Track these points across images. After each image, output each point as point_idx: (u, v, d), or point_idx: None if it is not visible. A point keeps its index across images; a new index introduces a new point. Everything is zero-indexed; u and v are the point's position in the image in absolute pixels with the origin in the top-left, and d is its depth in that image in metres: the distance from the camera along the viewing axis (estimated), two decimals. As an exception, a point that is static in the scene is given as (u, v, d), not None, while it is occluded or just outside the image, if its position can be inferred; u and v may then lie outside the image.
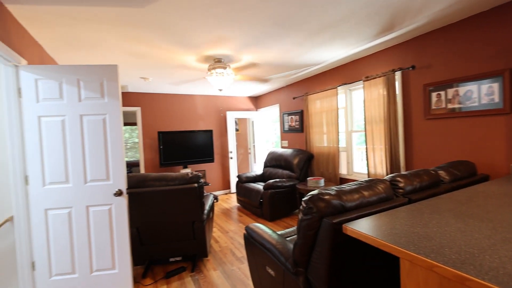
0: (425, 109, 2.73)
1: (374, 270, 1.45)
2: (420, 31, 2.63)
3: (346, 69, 3.71)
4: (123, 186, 2.12)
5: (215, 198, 5.26)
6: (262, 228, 1.86)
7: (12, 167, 1.97)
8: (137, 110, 5.07)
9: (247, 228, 1.93)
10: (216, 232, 3.56)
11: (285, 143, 5.31)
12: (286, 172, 4.41)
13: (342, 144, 3.92)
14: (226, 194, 5.89)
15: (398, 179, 1.68)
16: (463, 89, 2.41)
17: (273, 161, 4.86)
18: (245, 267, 2.57)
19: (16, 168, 1.97)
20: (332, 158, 3.93)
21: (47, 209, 2.03)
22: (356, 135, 3.86)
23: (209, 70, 3.29)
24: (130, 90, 4.86)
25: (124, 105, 4.96)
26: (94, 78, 2.08)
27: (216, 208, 4.76)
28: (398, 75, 2.98)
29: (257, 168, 6.45)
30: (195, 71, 3.72)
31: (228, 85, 3.46)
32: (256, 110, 6.38)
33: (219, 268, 2.57)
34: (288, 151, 4.59)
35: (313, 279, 1.33)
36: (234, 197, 5.55)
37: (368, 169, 3.37)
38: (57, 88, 2.04)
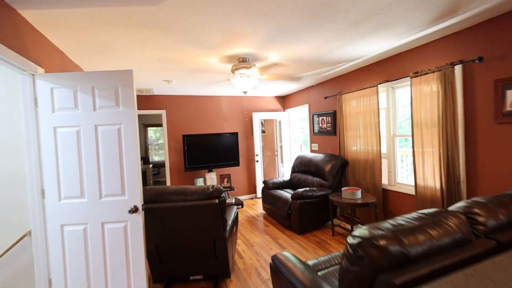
0: (496, 110, 2.19)
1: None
2: (493, 13, 2.10)
3: (389, 64, 3.22)
4: (139, 202, 1.95)
5: (240, 204, 5.05)
6: (292, 260, 1.55)
7: (29, 180, 1.90)
8: (163, 112, 5.02)
9: (274, 259, 1.63)
10: (240, 245, 3.32)
11: (315, 146, 4.90)
12: (316, 179, 4.03)
13: (383, 149, 3.43)
14: (252, 199, 5.66)
15: (476, 210, 1.26)
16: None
17: (302, 166, 4.50)
18: (271, 292, 2.28)
19: (33, 181, 1.89)
20: (371, 166, 3.47)
21: (63, 224, 1.93)
22: (399, 140, 3.35)
23: (232, 71, 3.04)
24: (156, 93, 4.82)
25: (149, 108, 4.93)
26: (109, 85, 1.92)
27: (241, 215, 4.54)
28: (457, 69, 2.46)
29: (285, 171, 6.11)
30: (218, 73, 3.49)
31: (253, 86, 3.18)
32: (284, 111, 6.03)
33: (243, 291, 2.32)
34: (319, 156, 4.19)
35: None
36: (260, 203, 5.29)
37: (415, 181, 2.87)
38: (71, 96, 1.92)
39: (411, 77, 2.82)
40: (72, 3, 1.68)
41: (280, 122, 6.16)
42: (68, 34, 2.14)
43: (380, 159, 3.35)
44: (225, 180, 5.16)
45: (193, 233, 2.20)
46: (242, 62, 2.96)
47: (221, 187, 2.27)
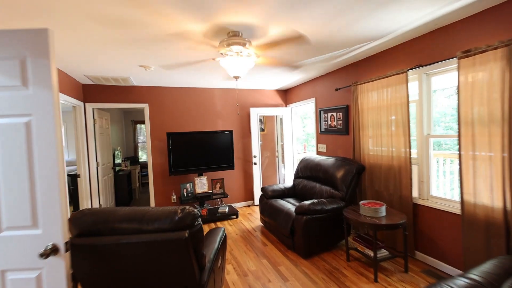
0: None
1: None
2: None
3: (423, 43, 2.49)
4: (60, 238, 1.23)
5: (234, 214, 4.34)
6: None
7: None
8: (145, 107, 4.30)
9: None
10: (230, 273, 2.61)
11: (322, 147, 4.18)
12: (326, 188, 3.31)
13: (413, 153, 2.72)
14: (248, 206, 4.95)
15: None
16: None
17: (307, 171, 3.78)
18: None
19: None
20: (397, 173, 2.75)
21: None
22: (434, 141, 2.64)
23: (220, 47, 2.31)
24: (135, 83, 4.09)
25: (128, 101, 4.21)
26: (9, 52, 1.20)
27: (234, 229, 3.83)
28: (536, 42, 1.73)
29: (286, 174, 5.40)
30: (202, 50, 2.77)
31: (247, 69, 2.47)
32: (286, 106, 5.31)
33: None
34: (329, 159, 3.48)
35: None
36: (257, 212, 4.58)
37: (462, 196, 2.16)
38: (-48, 71, 1.20)
39: (459, 58, 2.10)
40: None
41: (281, 119, 5.44)
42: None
43: (410, 165, 2.63)
44: (218, 185, 4.45)
45: (154, 281, 1.48)
46: (234, 37, 2.24)
47: (196, 211, 1.55)
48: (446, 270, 2.42)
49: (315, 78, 4.28)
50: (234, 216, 4.33)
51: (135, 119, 7.45)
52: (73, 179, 4.42)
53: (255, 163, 4.88)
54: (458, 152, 2.17)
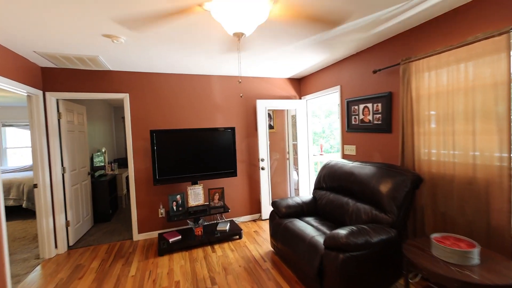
0: None
1: None
2: None
3: (543, -16, 1.54)
4: None
5: (237, 234, 3.42)
6: None
7: None
8: (124, 97, 3.41)
9: None
10: None
11: (351, 149, 3.25)
12: (363, 207, 2.38)
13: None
14: (254, 221, 4.03)
15: None
16: None
17: (333, 181, 2.85)
18: None
19: None
20: (484, 191, 1.81)
21: None
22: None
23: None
24: (110, 67, 3.20)
25: (103, 89, 3.32)
26: None
27: (236, 256, 2.92)
28: None
29: (300, 181, 4.47)
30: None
31: (255, 22, 1.56)
32: (300, 98, 4.37)
33: None
34: (367, 167, 2.54)
35: None
36: (265, 228, 3.67)
37: None
38: None
39: None
40: None
41: (294, 114, 4.50)
42: None
43: (510, 180, 1.68)
44: (216, 196, 3.55)
45: None
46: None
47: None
48: None
49: (341, 60, 3.33)
50: (237, 237, 3.42)
51: (126, 115, 6.58)
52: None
53: (262, 168, 3.96)
54: None
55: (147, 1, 1.73)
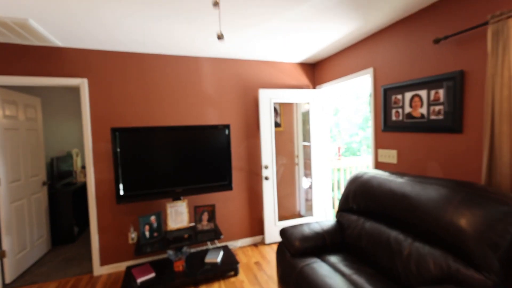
0: None
1: None
2: None
3: None
4: None
5: (233, 269, 2.51)
6: None
7: None
8: (81, 83, 2.53)
9: None
10: None
11: (389, 156, 2.35)
12: (431, 252, 1.48)
13: None
14: (255, 246, 3.15)
15: None
16: None
17: (370, 202, 1.96)
18: None
19: None
20: None
21: None
22: None
23: None
24: (60, 42, 2.32)
25: (51, 73, 2.45)
26: None
27: (230, 308, 2.05)
28: None
29: (314, 193, 3.59)
30: None
31: None
32: (314, 88, 3.48)
33: None
34: (430, 187, 1.63)
35: None
36: (270, 259, 2.79)
37: None
38: None
39: None
40: None
41: (307, 108, 3.61)
42: None
43: None
44: (205, 216, 2.67)
45: None
46: None
47: None
48: None
49: (377, 32, 2.42)
50: (232, 273, 2.54)
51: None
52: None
53: (266, 178, 3.08)
54: None
55: None
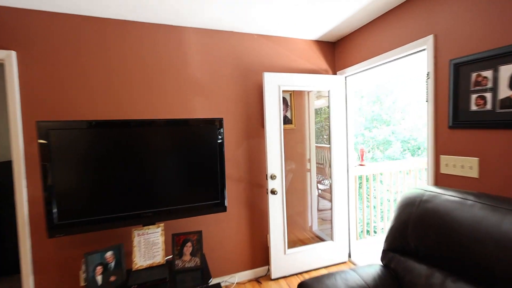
0: None
1: None
2: None
3: None
4: None
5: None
6: None
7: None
8: (6, 58, 1.74)
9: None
10: None
11: (466, 165, 1.54)
12: None
13: None
14: (258, 281, 2.36)
15: None
16: None
17: (445, 244, 1.16)
18: None
19: None
20: None
21: None
22: None
23: None
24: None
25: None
26: None
27: None
28: None
29: (336, 209, 2.80)
30: None
31: None
32: (334, 74, 2.68)
33: None
34: None
35: None
36: (280, 306, 2.00)
37: None
38: None
39: None
40: None
41: (321, 103, 2.83)
42: None
43: None
44: (189, 248, 1.89)
45: None
46: None
47: None
48: None
49: (437, -17, 1.63)
50: (224, 336, 1.75)
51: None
52: None
53: (273, 192, 2.28)
54: None
55: None
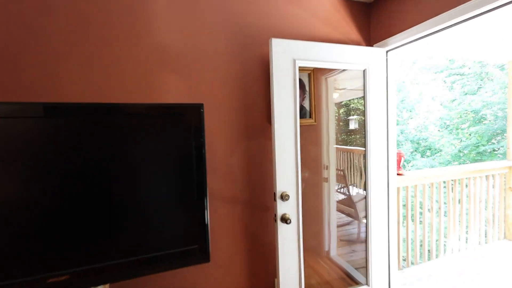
0: None
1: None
2: None
3: None
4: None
5: None
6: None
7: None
8: None
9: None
10: None
11: None
12: None
13: None
14: None
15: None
16: None
17: None
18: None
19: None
20: None
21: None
22: None
23: None
24: None
25: None
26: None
27: None
28: None
29: (374, 239, 2.05)
30: None
31: None
32: (372, 46, 1.89)
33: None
34: None
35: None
36: None
37: None
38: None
39: None
40: None
41: (364, 82, 2.06)
42: None
43: None
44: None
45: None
46: None
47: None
48: None
49: None
50: None
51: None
52: None
53: (285, 220, 1.50)
54: None
55: None
